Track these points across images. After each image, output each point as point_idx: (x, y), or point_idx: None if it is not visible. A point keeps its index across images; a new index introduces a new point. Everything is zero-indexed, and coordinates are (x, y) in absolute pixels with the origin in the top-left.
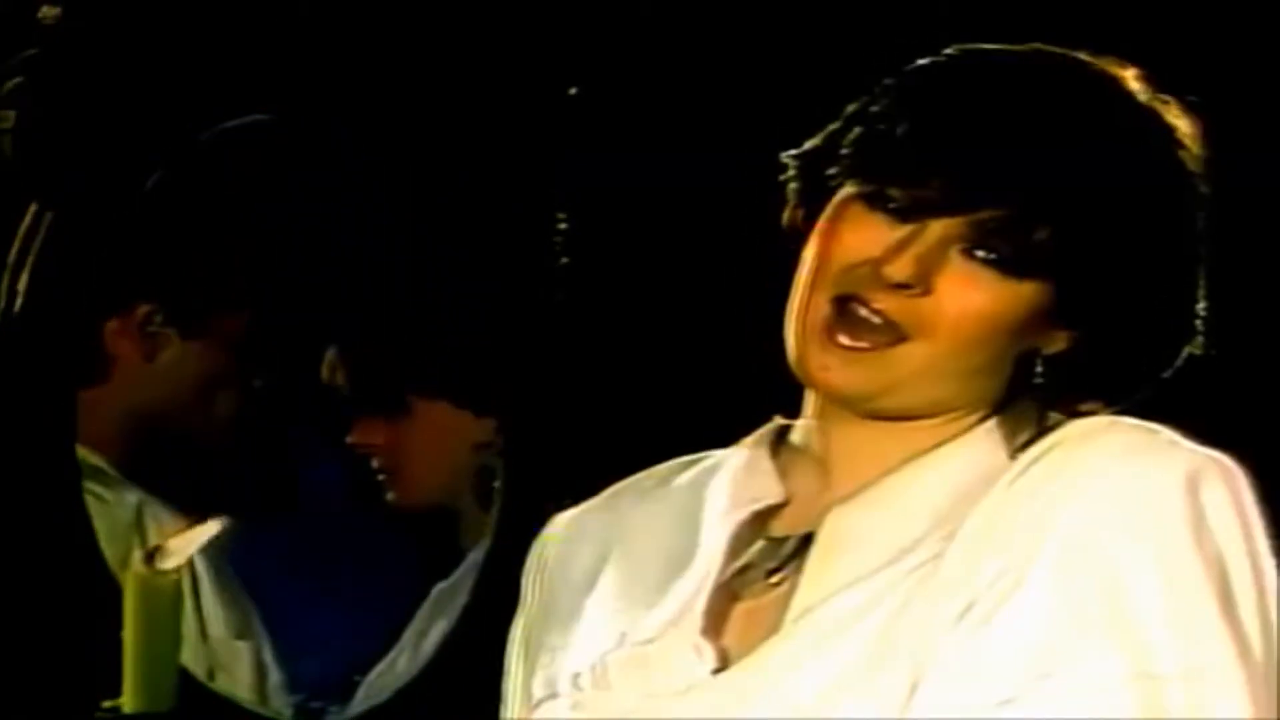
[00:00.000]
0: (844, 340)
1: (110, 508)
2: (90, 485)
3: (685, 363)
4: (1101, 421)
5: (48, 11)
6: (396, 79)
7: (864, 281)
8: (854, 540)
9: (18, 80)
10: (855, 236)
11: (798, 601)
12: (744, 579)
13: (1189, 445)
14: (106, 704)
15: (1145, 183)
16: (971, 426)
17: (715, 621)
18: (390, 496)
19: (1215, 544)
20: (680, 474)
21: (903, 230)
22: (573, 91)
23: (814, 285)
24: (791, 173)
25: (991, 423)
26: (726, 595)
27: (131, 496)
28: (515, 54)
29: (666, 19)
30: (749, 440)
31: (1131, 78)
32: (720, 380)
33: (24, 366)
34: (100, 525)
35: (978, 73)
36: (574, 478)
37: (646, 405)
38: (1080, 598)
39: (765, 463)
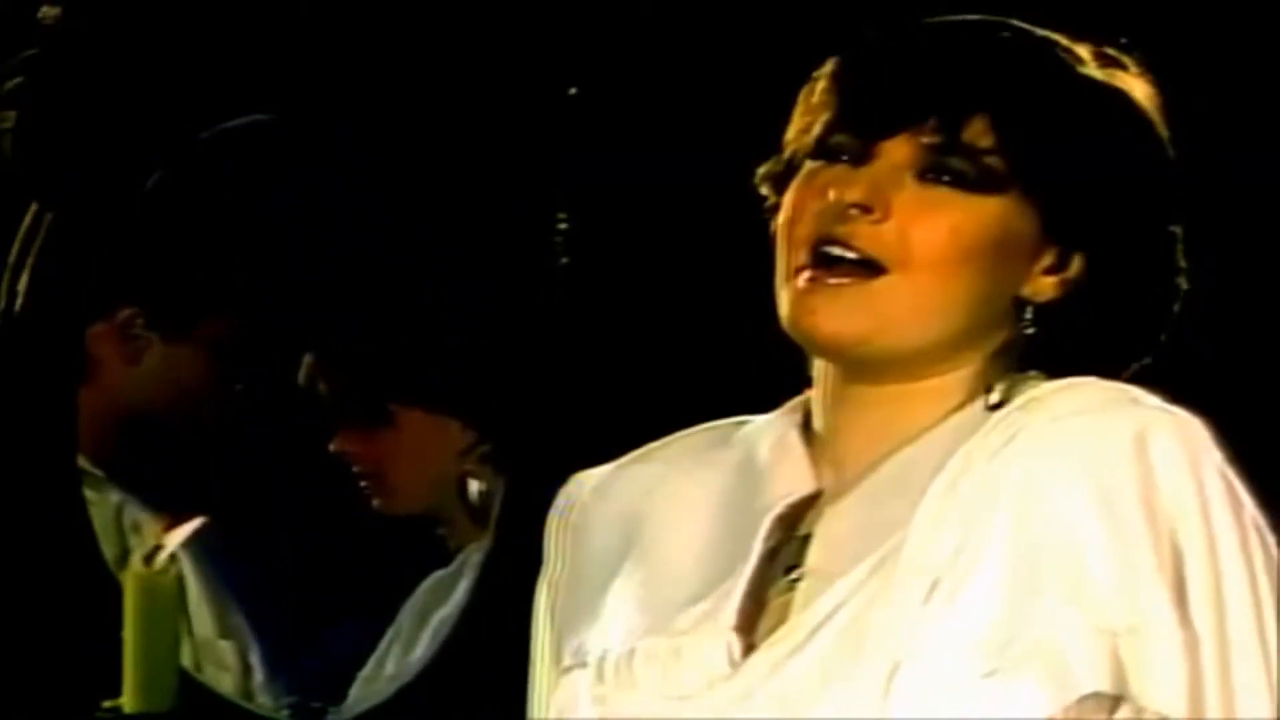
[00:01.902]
0: (825, 279)
1: (95, 508)
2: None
3: (686, 362)
4: (1065, 382)
5: (48, 11)
6: (396, 79)
7: (829, 220)
8: (845, 537)
9: (18, 80)
10: (816, 187)
11: (797, 601)
12: (769, 576)
13: (1151, 402)
14: (106, 704)
15: (1085, 96)
16: (967, 388)
17: (748, 620)
18: (375, 503)
19: (1162, 499)
20: (711, 450)
21: (856, 170)
22: (573, 91)
23: (790, 244)
24: (766, 186)
25: (978, 402)
26: (757, 593)
27: (113, 496)
28: (515, 54)
29: (666, 19)
30: (784, 410)
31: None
32: (721, 379)
33: (24, 366)
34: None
35: (907, 31)
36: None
37: (646, 405)
38: (1033, 557)
39: (797, 447)
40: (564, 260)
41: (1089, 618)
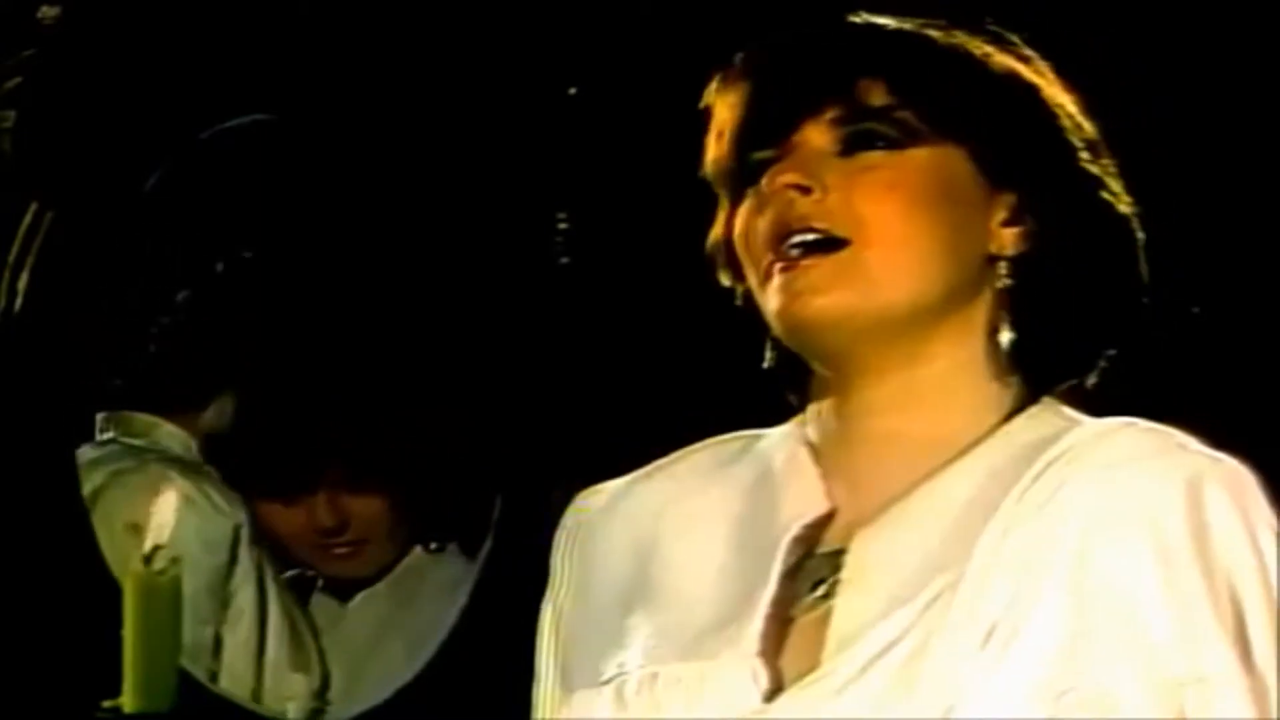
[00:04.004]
0: (797, 264)
1: (210, 521)
2: (209, 489)
3: (686, 363)
4: (1114, 424)
5: (48, 11)
6: (397, 79)
7: (779, 215)
8: (881, 566)
9: (18, 80)
10: (755, 199)
11: (833, 631)
12: (792, 593)
13: (1199, 449)
14: (106, 704)
15: (960, 42)
16: (966, 379)
17: (772, 643)
18: (346, 569)
19: (1217, 548)
20: (722, 467)
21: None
22: (573, 91)
23: (752, 253)
24: (722, 271)
25: (1007, 427)
26: (780, 614)
27: (241, 515)
28: (515, 54)
29: (666, 19)
30: (794, 423)
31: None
32: (722, 380)
33: (24, 366)
34: (196, 526)
35: (776, 38)
36: (573, 477)
37: (647, 405)
38: (1090, 608)
39: (809, 465)
40: (564, 260)
41: (1148, 669)
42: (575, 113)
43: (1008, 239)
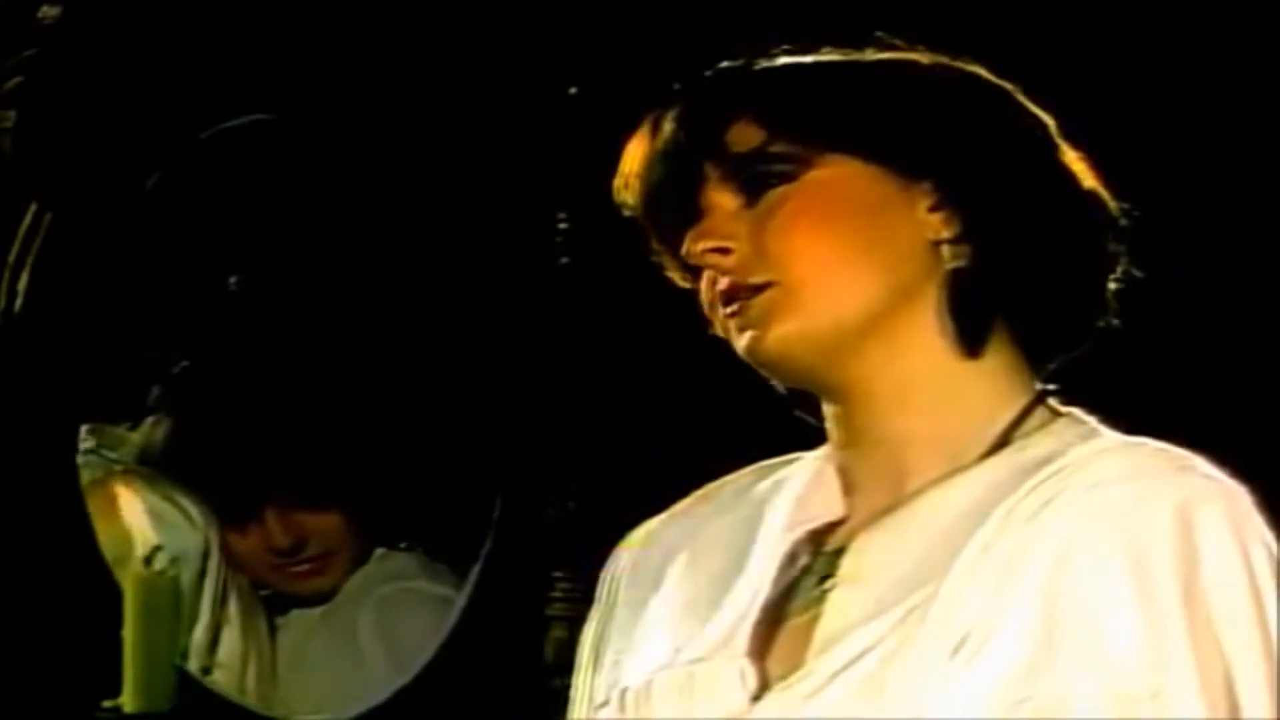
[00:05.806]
0: (743, 306)
1: (182, 529)
2: (180, 498)
3: (686, 364)
4: (1120, 441)
5: (48, 11)
6: (396, 79)
7: (713, 279)
8: (873, 571)
9: (18, 80)
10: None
11: (819, 632)
12: (797, 589)
13: (1202, 470)
14: (106, 704)
15: (807, 50)
16: (957, 359)
17: (761, 643)
18: (310, 586)
19: (1206, 579)
20: (755, 486)
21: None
22: (573, 91)
23: (713, 314)
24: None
25: (1023, 441)
26: (775, 613)
27: (212, 535)
28: (515, 54)
29: (667, 19)
30: (826, 446)
31: None
32: (722, 381)
33: (24, 366)
34: (167, 539)
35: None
36: (572, 479)
37: (647, 407)
38: (1058, 620)
39: (832, 478)
40: (564, 260)
41: (1107, 683)
42: (575, 113)
43: (939, 224)
